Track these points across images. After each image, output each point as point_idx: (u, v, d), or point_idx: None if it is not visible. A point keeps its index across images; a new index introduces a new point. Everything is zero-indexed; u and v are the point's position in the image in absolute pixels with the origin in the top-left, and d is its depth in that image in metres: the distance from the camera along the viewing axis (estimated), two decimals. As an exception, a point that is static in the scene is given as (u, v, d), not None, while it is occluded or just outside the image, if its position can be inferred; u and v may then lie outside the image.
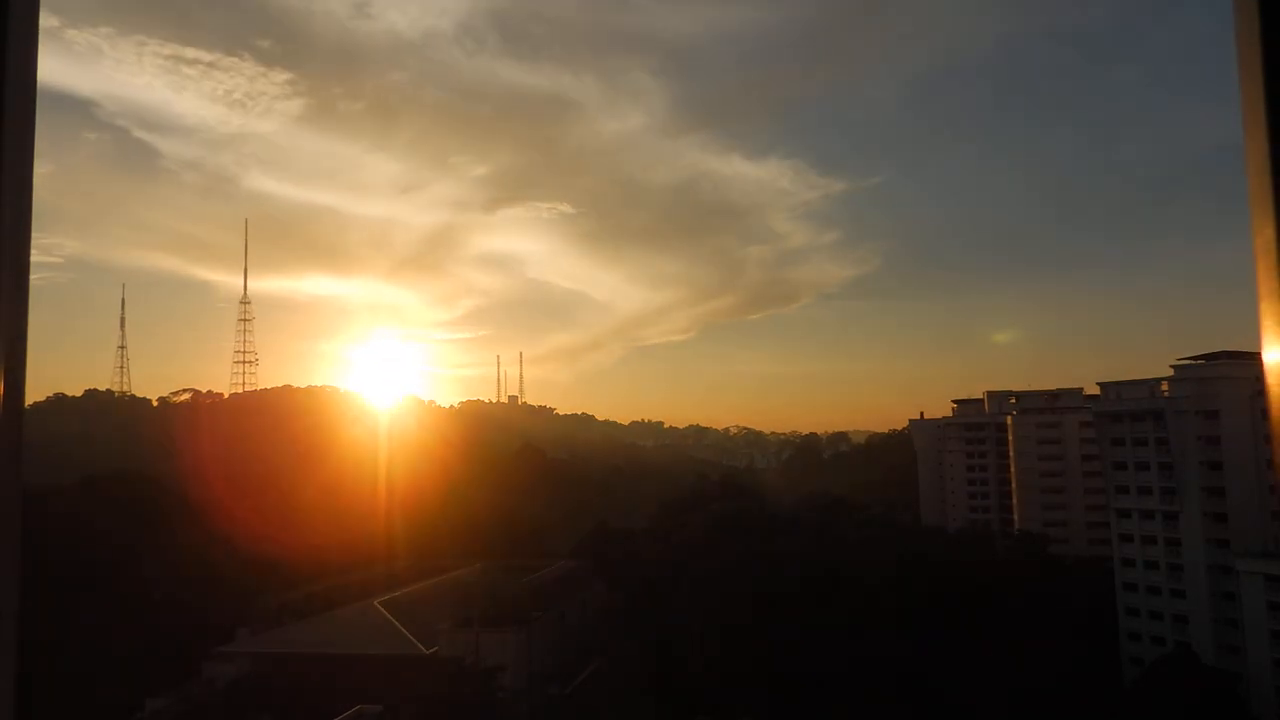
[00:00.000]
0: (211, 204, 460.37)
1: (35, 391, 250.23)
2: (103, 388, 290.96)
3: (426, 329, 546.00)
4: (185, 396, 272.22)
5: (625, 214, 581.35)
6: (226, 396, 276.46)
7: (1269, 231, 2.29)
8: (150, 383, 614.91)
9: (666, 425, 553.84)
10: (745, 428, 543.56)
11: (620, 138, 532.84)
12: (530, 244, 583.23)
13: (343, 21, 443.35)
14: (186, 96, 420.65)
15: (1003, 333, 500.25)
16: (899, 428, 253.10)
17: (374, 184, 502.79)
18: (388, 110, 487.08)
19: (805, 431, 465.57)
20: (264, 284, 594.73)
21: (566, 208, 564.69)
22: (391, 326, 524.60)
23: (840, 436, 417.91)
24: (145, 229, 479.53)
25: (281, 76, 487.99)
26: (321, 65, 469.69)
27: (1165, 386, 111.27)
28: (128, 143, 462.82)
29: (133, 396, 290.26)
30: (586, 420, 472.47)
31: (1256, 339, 2.38)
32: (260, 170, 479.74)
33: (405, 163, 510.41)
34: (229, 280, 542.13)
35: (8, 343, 2.27)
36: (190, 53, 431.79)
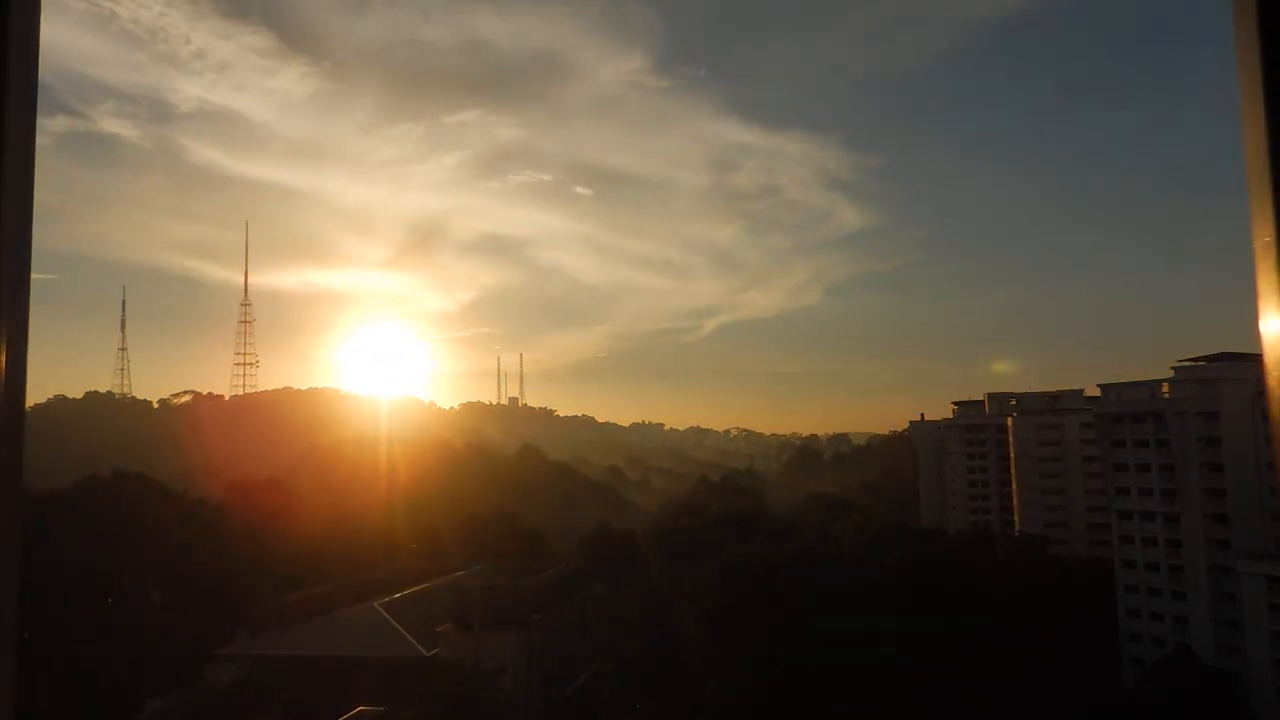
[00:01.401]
0: (162, 179, 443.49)
1: (36, 393, 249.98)
2: (103, 389, 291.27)
3: (426, 327, 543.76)
4: (186, 398, 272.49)
5: (624, 201, 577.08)
6: (227, 398, 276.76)
7: (1269, 232, 2.29)
8: (150, 384, 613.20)
9: (667, 427, 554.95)
10: (745, 429, 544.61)
11: (619, 110, 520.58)
12: (526, 230, 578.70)
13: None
14: (138, 58, 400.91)
15: (1002, 362, 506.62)
16: (899, 429, 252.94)
17: (360, 164, 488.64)
18: (363, 74, 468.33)
19: (805, 433, 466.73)
20: (231, 276, 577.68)
21: (566, 182, 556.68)
22: (390, 323, 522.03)
23: (841, 438, 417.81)
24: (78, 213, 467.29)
25: (244, 33, 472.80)
26: (284, 17, 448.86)
27: (1166, 388, 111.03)
28: (62, 111, 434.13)
29: (133, 398, 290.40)
30: (587, 422, 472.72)
31: (1256, 340, 2.38)
32: (208, 143, 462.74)
33: (391, 136, 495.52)
34: (182, 266, 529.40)
35: (8, 343, 2.27)
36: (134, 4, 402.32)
